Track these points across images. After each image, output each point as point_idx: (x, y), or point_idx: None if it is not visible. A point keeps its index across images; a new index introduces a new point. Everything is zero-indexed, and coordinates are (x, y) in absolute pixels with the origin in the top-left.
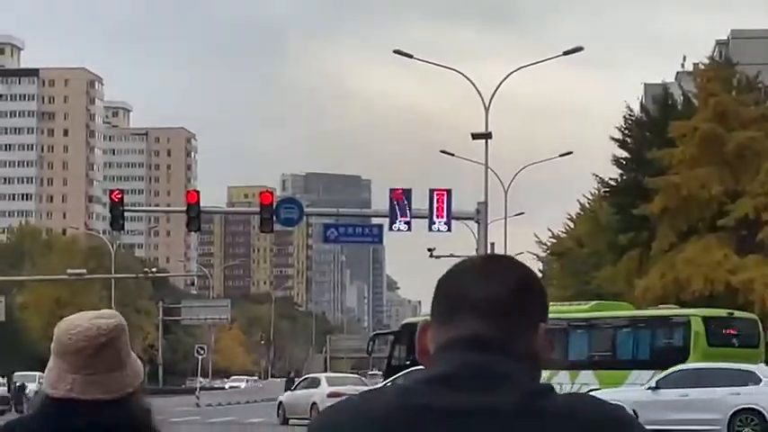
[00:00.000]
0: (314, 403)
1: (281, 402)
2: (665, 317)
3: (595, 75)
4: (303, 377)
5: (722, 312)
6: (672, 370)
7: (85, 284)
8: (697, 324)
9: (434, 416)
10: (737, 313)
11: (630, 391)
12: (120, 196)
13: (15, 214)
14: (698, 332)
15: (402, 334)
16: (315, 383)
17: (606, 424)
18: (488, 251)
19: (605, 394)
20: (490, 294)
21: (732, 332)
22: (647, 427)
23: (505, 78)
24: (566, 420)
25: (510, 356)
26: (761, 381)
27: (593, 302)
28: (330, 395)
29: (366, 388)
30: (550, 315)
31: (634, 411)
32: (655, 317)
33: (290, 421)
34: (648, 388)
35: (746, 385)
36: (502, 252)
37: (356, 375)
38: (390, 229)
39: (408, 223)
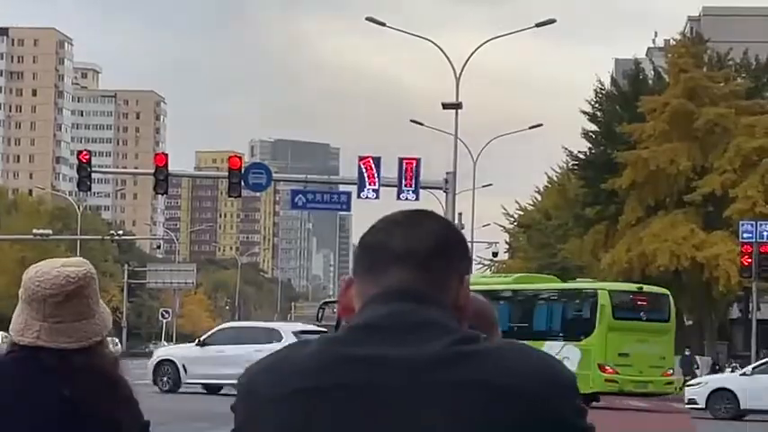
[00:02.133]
0: None
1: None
2: (577, 290)
3: (567, 48)
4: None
5: (632, 287)
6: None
7: (51, 245)
8: (603, 297)
9: (360, 364)
10: (647, 288)
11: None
12: (87, 157)
13: None
14: (604, 305)
15: None
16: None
17: (534, 368)
18: (456, 221)
19: None
20: (413, 247)
21: (641, 306)
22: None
23: (477, 49)
24: (494, 364)
25: (436, 306)
26: (282, 338)
27: (518, 275)
28: None
29: None
30: (479, 287)
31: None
32: (568, 290)
33: None
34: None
35: (270, 343)
36: (468, 223)
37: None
38: (359, 196)
39: (377, 191)
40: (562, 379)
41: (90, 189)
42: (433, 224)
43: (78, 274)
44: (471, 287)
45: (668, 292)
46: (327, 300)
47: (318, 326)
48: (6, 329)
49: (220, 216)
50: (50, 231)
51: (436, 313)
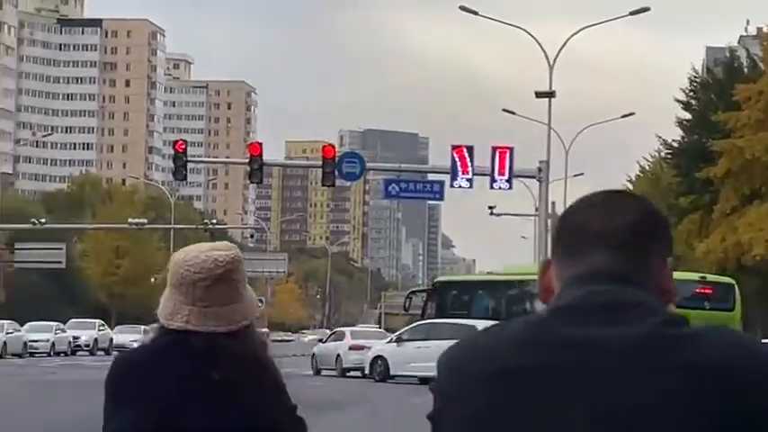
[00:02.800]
0: (338, 355)
1: (314, 354)
2: None
3: (659, 35)
4: (332, 331)
5: (695, 276)
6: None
7: (144, 234)
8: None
9: (565, 345)
10: (711, 277)
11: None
12: (183, 146)
13: (76, 163)
14: None
15: (434, 291)
16: (340, 336)
17: (745, 352)
18: (549, 210)
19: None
20: (617, 227)
21: (704, 295)
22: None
23: (571, 37)
24: (704, 347)
25: (639, 288)
26: None
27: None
28: (351, 348)
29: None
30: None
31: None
32: None
33: (322, 372)
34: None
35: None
36: (561, 211)
37: (380, 329)
38: (452, 185)
39: (470, 180)
40: None
41: (185, 178)
42: (633, 204)
43: (227, 258)
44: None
45: (733, 282)
46: (415, 289)
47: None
48: (100, 317)
49: (311, 206)
50: (145, 221)
51: (640, 294)
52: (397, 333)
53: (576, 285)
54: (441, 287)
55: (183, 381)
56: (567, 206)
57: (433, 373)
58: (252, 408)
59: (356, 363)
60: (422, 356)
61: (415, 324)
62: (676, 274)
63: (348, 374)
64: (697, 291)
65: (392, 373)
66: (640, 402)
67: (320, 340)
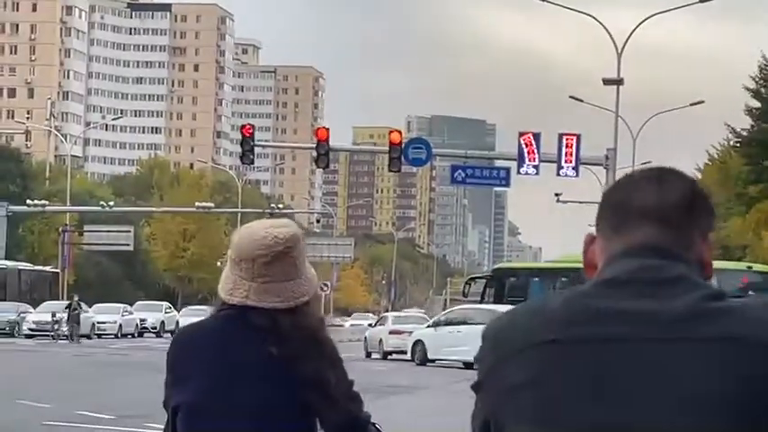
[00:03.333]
0: (380, 339)
1: (365, 338)
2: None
3: (729, 23)
4: (380, 316)
5: (741, 265)
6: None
7: (211, 218)
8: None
9: (611, 316)
10: (757, 267)
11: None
12: (251, 131)
13: (145, 147)
14: None
15: (493, 278)
16: (384, 321)
17: None
18: None
19: None
20: (662, 202)
21: (751, 285)
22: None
23: (640, 24)
24: (748, 319)
25: (683, 262)
26: None
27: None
28: (391, 332)
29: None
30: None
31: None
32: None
33: (372, 354)
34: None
35: None
36: None
37: (423, 314)
38: (518, 172)
39: (536, 167)
40: None
41: (253, 162)
42: (677, 180)
43: (287, 235)
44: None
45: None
46: (474, 275)
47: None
48: (167, 299)
49: (377, 191)
50: (212, 204)
51: (684, 269)
52: (435, 318)
53: (621, 259)
54: (499, 274)
55: (241, 356)
56: (612, 184)
57: (468, 358)
58: (313, 381)
59: (396, 347)
60: (456, 341)
61: (450, 309)
62: (725, 264)
63: (390, 357)
64: (744, 280)
65: (430, 357)
66: (685, 373)
67: (370, 324)
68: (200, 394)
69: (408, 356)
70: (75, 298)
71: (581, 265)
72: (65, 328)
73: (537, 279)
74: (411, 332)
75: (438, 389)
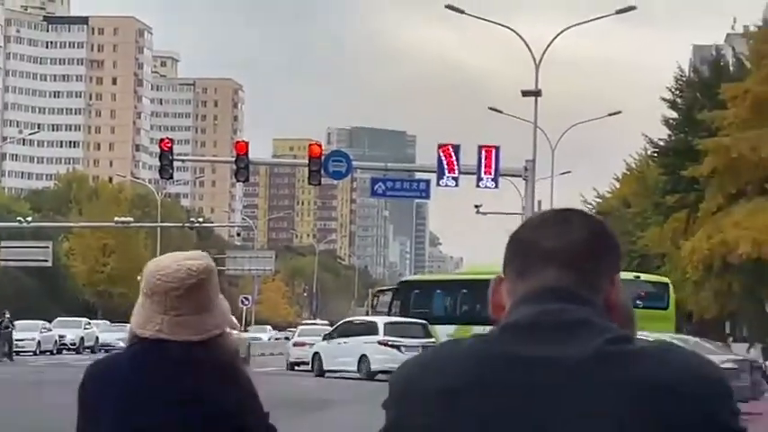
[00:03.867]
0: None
1: (316, 353)
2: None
3: (646, 34)
4: (342, 321)
5: (629, 275)
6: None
7: (131, 233)
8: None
9: (512, 363)
10: (645, 276)
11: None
12: (169, 145)
13: (63, 161)
14: None
15: (400, 291)
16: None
17: (690, 367)
18: (535, 209)
19: None
20: (566, 245)
21: (638, 294)
22: None
23: (557, 36)
24: (652, 363)
25: (589, 306)
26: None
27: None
28: (295, 344)
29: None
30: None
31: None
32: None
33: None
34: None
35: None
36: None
37: (326, 325)
38: (438, 184)
39: (456, 179)
40: (718, 378)
41: (172, 177)
42: (584, 222)
43: (199, 267)
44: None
45: (668, 281)
46: (381, 288)
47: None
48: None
49: (298, 203)
50: (132, 219)
51: (589, 312)
52: (329, 331)
53: (527, 303)
54: (404, 287)
55: (154, 391)
56: (519, 225)
57: (353, 368)
58: (228, 414)
59: (299, 358)
60: (343, 352)
61: (339, 322)
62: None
63: (295, 369)
64: (631, 290)
65: (325, 368)
66: (584, 419)
67: (286, 338)
68: (115, 429)
69: (309, 368)
70: (7, 315)
71: (484, 277)
72: None
73: (440, 291)
74: (312, 344)
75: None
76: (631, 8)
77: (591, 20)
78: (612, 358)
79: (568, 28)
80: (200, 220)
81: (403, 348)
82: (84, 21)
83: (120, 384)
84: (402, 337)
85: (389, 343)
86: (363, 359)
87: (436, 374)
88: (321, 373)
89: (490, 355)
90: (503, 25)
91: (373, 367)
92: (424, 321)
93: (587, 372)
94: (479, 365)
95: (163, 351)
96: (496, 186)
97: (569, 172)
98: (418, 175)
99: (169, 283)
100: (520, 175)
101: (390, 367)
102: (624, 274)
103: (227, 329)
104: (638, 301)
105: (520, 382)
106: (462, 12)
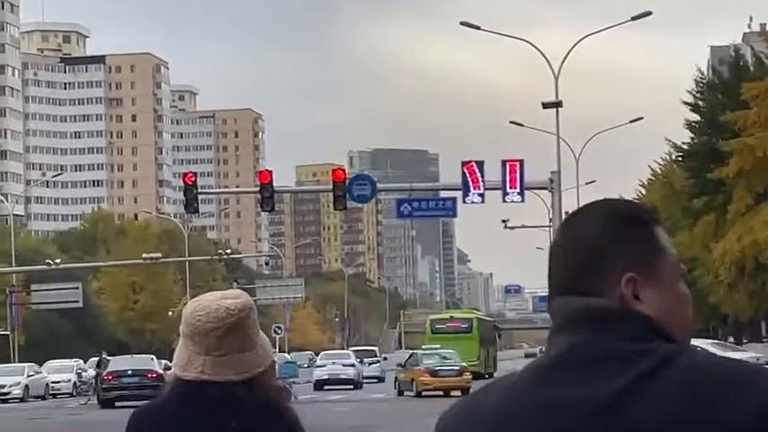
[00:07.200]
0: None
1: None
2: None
3: (663, 39)
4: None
5: (445, 315)
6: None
7: (160, 268)
8: (427, 322)
9: (540, 411)
10: (456, 314)
11: None
12: (193, 179)
13: (87, 201)
14: (427, 326)
15: None
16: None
17: (739, 395)
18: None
19: None
20: (565, 268)
21: (451, 325)
22: None
23: (575, 45)
24: (680, 401)
25: (619, 327)
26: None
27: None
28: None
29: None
30: None
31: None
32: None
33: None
34: None
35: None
36: None
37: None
38: (464, 201)
39: (482, 195)
40: None
41: (197, 211)
42: (591, 216)
43: (238, 306)
44: None
45: (473, 316)
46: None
47: None
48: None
49: (324, 229)
50: (159, 255)
51: (611, 342)
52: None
53: (556, 335)
54: None
55: (204, 431)
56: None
57: None
58: None
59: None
60: None
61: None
62: (433, 316)
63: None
64: (448, 324)
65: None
66: None
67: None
68: None
69: None
70: (104, 354)
71: None
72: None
73: None
74: None
75: None
76: (647, 14)
77: (608, 27)
78: (640, 395)
79: (586, 37)
80: (228, 251)
81: None
82: (100, 60)
83: (164, 429)
84: None
85: None
86: None
87: (474, 424)
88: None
89: (515, 405)
90: (518, 38)
91: None
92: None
93: (614, 413)
94: (504, 419)
95: (206, 393)
96: (522, 200)
97: (594, 181)
98: (443, 194)
99: (209, 324)
100: (545, 188)
101: None
102: (442, 315)
103: (272, 366)
104: (453, 331)
105: (546, 427)
106: (478, 27)
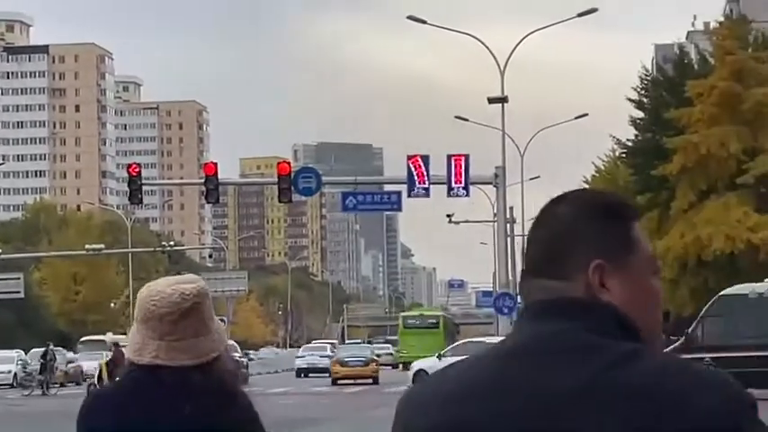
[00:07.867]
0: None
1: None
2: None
3: (609, 36)
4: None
5: (416, 312)
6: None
7: (102, 260)
8: (399, 318)
9: (501, 393)
10: (425, 312)
11: None
12: (137, 170)
13: (29, 191)
14: (400, 322)
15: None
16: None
17: (689, 396)
18: (507, 215)
19: None
20: (538, 255)
21: (422, 321)
22: None
23: (521, 41)
24: (640, 398)
25: (584, 319)
26: None
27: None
28: None
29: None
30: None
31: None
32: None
33: None
34: None
35: None
36: (519, 216)
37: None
38: (409, 195)
39: (427, 189)
40: (744, 400)
41: (141, 202)
42: (555, 215)
43: (193, 291)
44: None
45: (440, 314)
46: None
47: None
48: (62, 345)
49: (268, 222)
50: (102, 246)
51: (580, 333)
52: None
53: (522, 322)
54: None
55: (151, 419)
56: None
57: None
58: None
59: None
60: None
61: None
62: (406, 313)
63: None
64: (418, 320)
65: None
66: None
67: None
68: None
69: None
70: (51, 346)
71: None
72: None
73: None
74: None
75: None
76: (593, 10)
77: (553, 24)
78: (604, 387)
79: (532, 33)
80: (171, 243)
81: None
82: (44, 50)
83: (118, 414)
84: None
85: None
86: None
87: (430, 406)
88: None
89: (475, 385)
90: (465, 33)
91: None
92: None
93: (578, 404)
94: (462, 398)
95: (159, 378)
96: (467, 195)
97: (538, 177)
98: (388, 188)
99: (164, 308)
100: (490, 183)
101: None
102: (415, 311)
103: (225, 350)
104: (423, 327)
105: (516, 410)
106: (424, 22)
